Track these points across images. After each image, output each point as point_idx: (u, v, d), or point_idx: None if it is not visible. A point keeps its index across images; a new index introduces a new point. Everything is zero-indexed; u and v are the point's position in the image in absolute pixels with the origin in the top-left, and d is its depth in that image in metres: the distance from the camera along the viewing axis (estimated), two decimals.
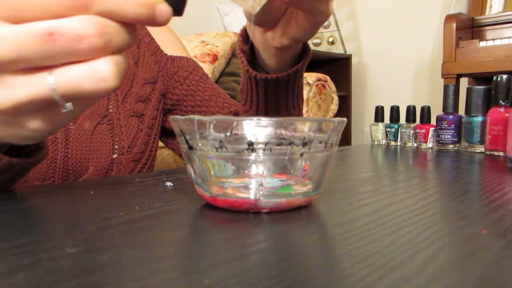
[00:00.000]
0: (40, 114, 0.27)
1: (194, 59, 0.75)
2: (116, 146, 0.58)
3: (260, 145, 0.27)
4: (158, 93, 0.65)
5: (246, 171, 0.28)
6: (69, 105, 0.26)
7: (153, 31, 0.70)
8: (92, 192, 0.36)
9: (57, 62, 0.24)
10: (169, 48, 0.71)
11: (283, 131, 0.26)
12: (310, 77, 1.89)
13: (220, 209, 0.30)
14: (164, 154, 1.46)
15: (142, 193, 0.36)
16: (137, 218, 0.28)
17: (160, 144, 0.72)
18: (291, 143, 0.27)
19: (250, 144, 0.27)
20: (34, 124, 0.28)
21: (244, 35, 0.54)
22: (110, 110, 0.58)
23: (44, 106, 0.26)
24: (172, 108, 0.68)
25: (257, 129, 0.26)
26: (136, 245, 0.23)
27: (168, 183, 0.39)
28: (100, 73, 0.24)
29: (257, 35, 0.50)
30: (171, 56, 0.69)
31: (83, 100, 0.27)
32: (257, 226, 0.27)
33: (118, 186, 0.39)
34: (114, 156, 0.57)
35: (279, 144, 0.27)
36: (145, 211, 0.29)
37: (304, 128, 0.27)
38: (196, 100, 0.67)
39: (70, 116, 0.28)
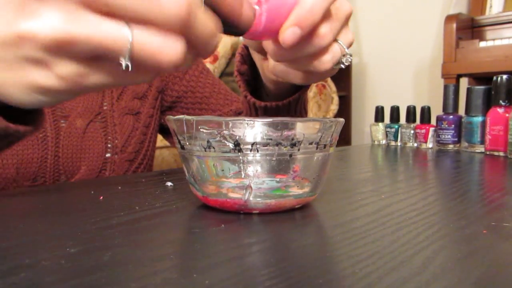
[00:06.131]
0: (80, 61, 0.23)
1: None
2: (109, 145, 0.56)
3: (247, 146, 0.26)
4: (155, 90, 0.64)
5: (235, 172, 0.27)
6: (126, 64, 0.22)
7: None
8: (92, 192, 0.36)
9: (137, 17, 0.22)
10: None
11: (270, 132, 0.26)
12: None
13: (220, 209, 0.30)
14: (164, 154, 1.45)
15: (142, 193, 0.36)
16: (138, 218, 0.28)
17: (161, 143, 0.71)
18: (278, 144, 0.26)
19: (237, 144, 0.26)
20: (65, 69, 0.23)
21: (244, 53, 0.50)
22: (104, 108, 0.56)
23: (89, 54, 0.23)
24: (173, 106, 0.67)
25: (244, 129, 0.26)
26: (137, 245, 0.23)
27: (169, 183, 0.39)
28: (172, 48, 0.22)
29: (256, 58, 0.47)
30: None
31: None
32: (258, 226, 0.27)
33: (118, 186, 0.39)
34: (107, 155, 0.56)
35: (266, 145, 0.26)
36: (145, 211, 0.30)
37: (292, 128, 0.27)
38: (196, 97, 0.66)
39: (97, 80, 0.24)
